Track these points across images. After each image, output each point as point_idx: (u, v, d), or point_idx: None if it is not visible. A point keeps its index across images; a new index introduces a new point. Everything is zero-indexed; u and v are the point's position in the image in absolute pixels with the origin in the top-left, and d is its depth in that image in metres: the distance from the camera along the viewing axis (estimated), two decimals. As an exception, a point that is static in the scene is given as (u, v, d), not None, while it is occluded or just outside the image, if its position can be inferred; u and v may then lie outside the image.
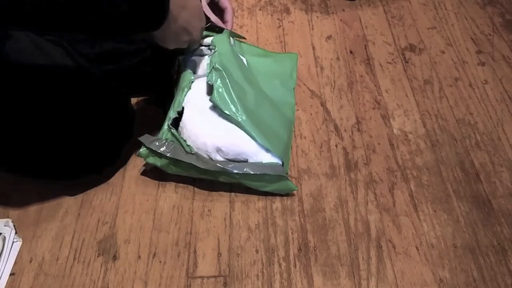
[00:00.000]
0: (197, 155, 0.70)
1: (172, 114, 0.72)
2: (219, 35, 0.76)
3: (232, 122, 0.71)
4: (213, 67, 0.71)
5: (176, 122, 0.73)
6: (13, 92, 0.59)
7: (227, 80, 0.71)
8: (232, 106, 0.70)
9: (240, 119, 0.70)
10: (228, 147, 0.70)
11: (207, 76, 0.71)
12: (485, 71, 0.93)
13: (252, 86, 0.76)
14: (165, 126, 0.72)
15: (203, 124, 0.71)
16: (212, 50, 0.73)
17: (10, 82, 0.59)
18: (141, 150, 0.72)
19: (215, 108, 0.71)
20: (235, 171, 0.69)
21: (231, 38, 0.80)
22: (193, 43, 0.70)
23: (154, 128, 0.75)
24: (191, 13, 0.64)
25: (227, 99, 0.70)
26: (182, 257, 0.68)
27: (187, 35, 0.65)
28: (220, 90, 0.70)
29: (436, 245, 0.69)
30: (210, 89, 0.72)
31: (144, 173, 0.77)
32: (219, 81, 0.71)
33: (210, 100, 0.70)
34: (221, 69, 0.71)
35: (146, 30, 0.59)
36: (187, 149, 0.70)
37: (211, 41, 0.75)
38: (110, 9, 0.51)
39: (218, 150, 0.70)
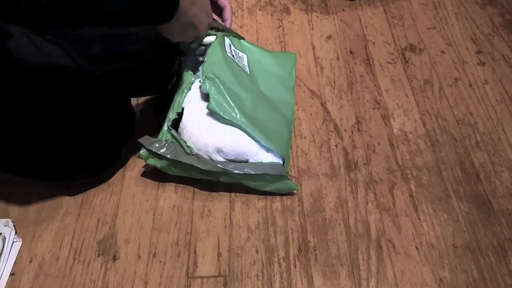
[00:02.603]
0: (197, 156, 0.70)
1: (171, 115, 0.72)
2: (211, 43, 0.76)
3: (232, 125, 0.71)
4: (205, 76, 0.71)
5: (176, 123, 0.73)
6: (13, 92, 0.59)
7: (222, 87, 0.71)
8: (230, 111, 0.70)
9: (240, 123, 0.70)
10: (229, 147, 0.70)
11: (201, 85, 0.72)
12: (485, 71, 0.93)
13: (248, 89, 0.76)
14: (165, 127, 0.72)
15: (203, 125, 0.71)
16: (203, 61, 0.74)
17: (10, 82, 0.59)
18: (141, 152, 0.72)
19: None
20: (236, 171, 0.69)
21: (226, 39, 0.79)
22: (197, 38, 0.70)
23: (154, 129, 0.75)
24: (200, 8, 0.64)
25: (225, 105, 0.70)
26: (182, 257, 0.68)
27: (194, 30, 0.66)
28: (216, 97, 0.70)
29: (436, 245, 0.69)
30: (207, 96, 0.72)
31: (144, 173, 0.77)
32: (213, 89, 0.71)
33: (207, 108, 0.70)
34: (213, 77, 0.71)
35: (156, 23, 0.59)
36: (188, 150, 0.70)
37: (203, 52, 0.75)
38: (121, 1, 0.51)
39: (219, 150, 0.70)
